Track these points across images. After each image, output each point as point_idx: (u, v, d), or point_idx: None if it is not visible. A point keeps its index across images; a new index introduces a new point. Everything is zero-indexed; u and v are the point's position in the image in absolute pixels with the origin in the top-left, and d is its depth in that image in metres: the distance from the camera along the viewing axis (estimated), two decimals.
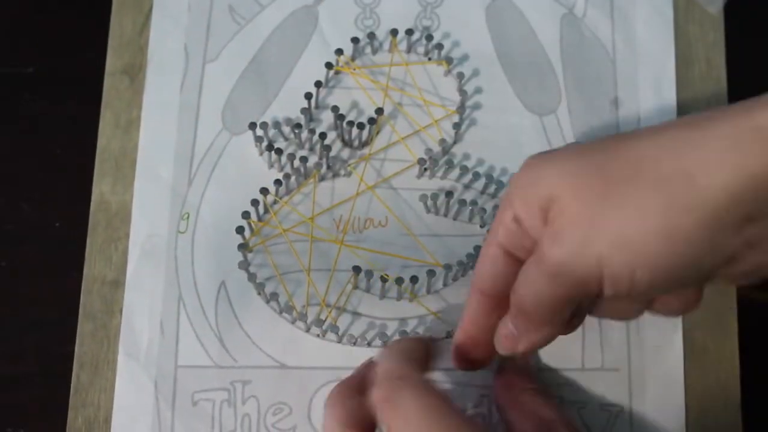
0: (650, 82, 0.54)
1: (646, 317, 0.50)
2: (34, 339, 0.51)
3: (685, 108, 0.54)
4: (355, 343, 0.49)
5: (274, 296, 0.49)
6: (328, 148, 0.51)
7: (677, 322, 0.51)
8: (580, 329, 0.50)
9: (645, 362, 0.50)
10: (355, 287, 0.50)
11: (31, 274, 0.52)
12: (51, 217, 0.53)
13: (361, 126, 0.52)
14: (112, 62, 0.54)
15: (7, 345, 0.51)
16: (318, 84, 0.52)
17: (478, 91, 0.54)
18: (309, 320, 0.49)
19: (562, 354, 0.50)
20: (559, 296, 0.40)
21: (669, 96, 0.54)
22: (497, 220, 0.42)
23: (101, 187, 0.52)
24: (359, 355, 0.49)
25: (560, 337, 0.49)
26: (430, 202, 0.51)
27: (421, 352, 0.44)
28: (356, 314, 0.50)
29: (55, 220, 0.53)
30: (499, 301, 0.44)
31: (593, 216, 0.38)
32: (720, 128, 0.37)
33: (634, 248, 0.37)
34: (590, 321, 0.50)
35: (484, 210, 0.51)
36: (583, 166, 0.39)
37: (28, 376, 0.51)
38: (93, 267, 0.51)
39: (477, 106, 0.54)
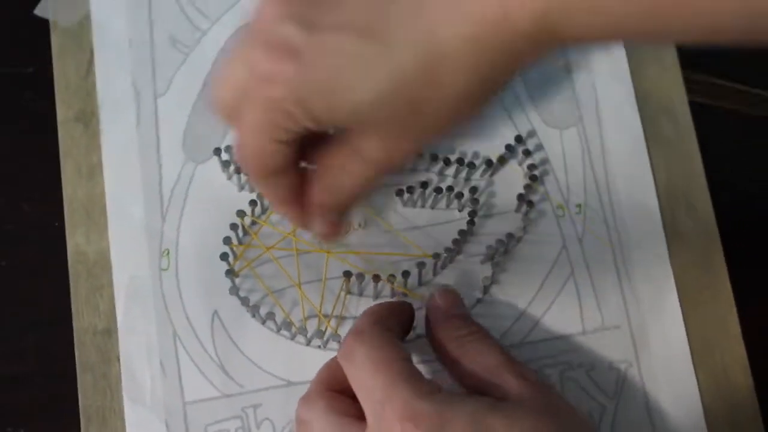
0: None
1: (636, 272, 0.51)
2: (34, 339, 0.51)
3: (635, 61, 0.55)
4: None
5: (270, 315, 0.49)
6: None
7: (667, 270, 0.52)
8: (575, 294, 0.51)
9: (644, 316, 0.51)
10: (349, 292, 0.50)
11: (31, 274, 0.52)
12: (51, 217, 0.52)
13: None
14: (62, 112, 0.53)
15: (7, 345, 0.51)
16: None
17: None
18: (309, 333, 0.49)
19: (561, 321, 0.51)
20: (264, 132, 0.40)
21: (618, 53, 0.55)
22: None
23: (75, 239, 0.51)
24: None
25: (557, 304, 0.50)
26: (406, 196, 0.51)
27: (391, 313, 0.45)
28: (355, 319, 0.50)
29: (55, 220, 0.52)
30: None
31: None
32: None
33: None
34: (584, 285, 0.51)
35: (461, 194, 0.51)
36: None
37: (28, 376, 0.51)
38: (82, 319, 0.50)
39: None
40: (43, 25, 0.55)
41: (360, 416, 0.42)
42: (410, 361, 0.42)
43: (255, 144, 0.40)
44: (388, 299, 0.50)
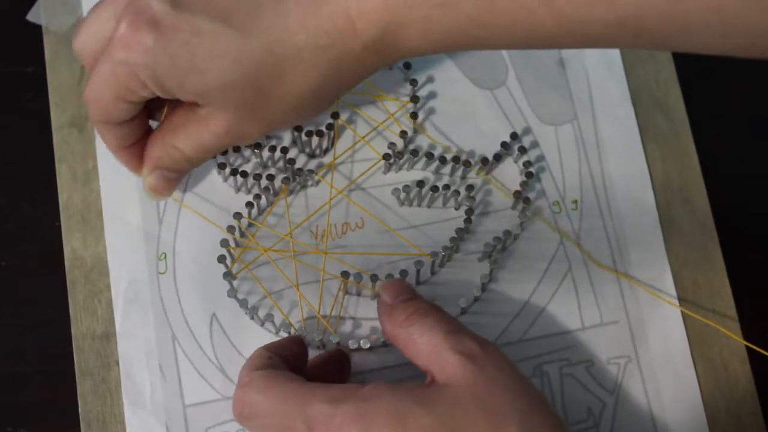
0: None
1: (634, 267, 0.51)
2: (34, 339, 0.51)
3: (629, 57, 0.55)
4: (356, 348, 0.49)
5: (269, 317, 0.49)
6: (291, 161, 0.51)
7: (665, 264, 0.52)
8: (573, 290, 0.51)
9: (642, 310, 0.51)
10: (347, 293, 0.50)
11: (31, 274, 0.52)
12: (51, 217, 0.52)
13: (319, 134, 0.52)
14: (56, 117, 0.53)
15: (7, 345, 0.51)
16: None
17: (430, 80, 0.54)
18: (306, 334, 0.49)
19: (560, 317, 0.51)
20: (112, 90, 0.43)
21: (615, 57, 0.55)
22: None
23: (72, 244, 0.51)
24: (361, 360, 0.49)
25: (555, 301, 0.51)
26: (402, 195, 0.51)
27: (272, 351, 0.44)
28: (353, 319, 0.50)
29: (56, 220, 0.52)
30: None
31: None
32: None
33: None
34: (582, 281, 0.51)
35: (457, 192, 0.51)
36: None
37: (28, 376, 0.50)
38: (80, 324, 0.50)
39: (432, 96, 0.54)
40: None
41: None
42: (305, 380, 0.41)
43: (101, 96, 0.43)
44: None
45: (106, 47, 0.42)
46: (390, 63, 0.43)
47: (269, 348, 0.44)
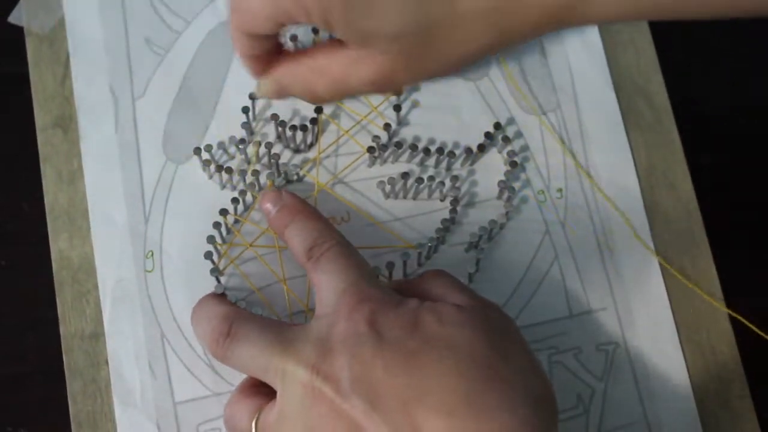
0: (575, 32, 0.55)
1: (620, 254, 0.52)
2: (34, 339, 0.51)
3: (610, 45, 0.55)
4: None
5: (256, 312, 0.49)
6: (276, 156, 0.51)
7: (651, 250, 0.52)
8: (560, 279, 0.51)
9: (629, 297, 0.51)
10: None
11: (31, 274, 0.52)
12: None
13: (303, 128, 0.52)
14: (40, 117, 0.53)
15: (7, 345, 0.51)
16: (252, 96, 0.52)
17: None
18: None
19: (547, 305, 0.51)
20: (270, 11, 0.41)
21: (593, 37, 0.55)
22: None
23: (59, 245, 0.51)
24: None
25: (543, 289, 0.51)
26: (388, 188, 0.51)
27: None
28: None
29: None
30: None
31: None
32: None
33: None
34: (569, 268, 0.51)
35: (442, 184, 0.51)
36: None
37: (28, 376, 0.50)
38: (69, 325, 0.50)
39: (415, 88, 0.54)
40: None
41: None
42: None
43: (253, 9, 0.42)
44: None
45: None
46: (566, 28, 0.42)
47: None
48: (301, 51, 0.46)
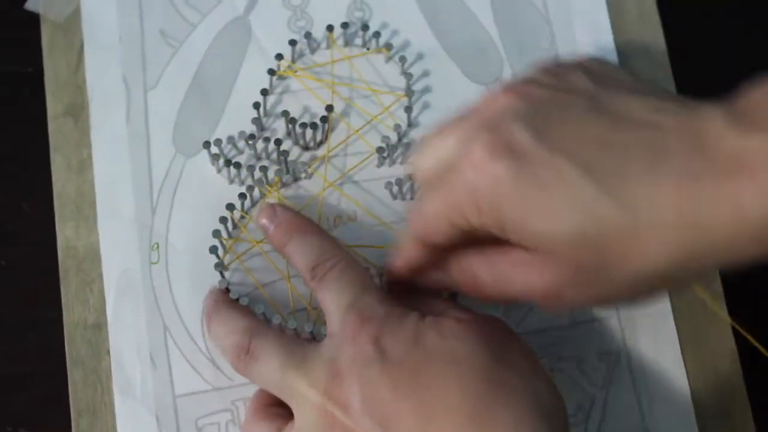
0: (587, 34, 0.55)
1: None
2: (34, 339, 0.51)
3: (625, 55, 0.55)
4: None
5: (259, 308, 0.49)
6: (285, 153, 0.51)
7: None
8: None
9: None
10: None
11: (31, 274, 0.52)
12: (51, 216, 0.52)
13: (313, 126, 0.52)
14: (52, 106, 0.53)
15: (7, 345, 0.51)
16: (264, 92, 0.52)
17: (426, 74, 0.54)
18: (296, 325, 0.49)
19: (551, 313, 0.50)
20: (448, 216, 0.40)
21: (608, 46, 0.55)
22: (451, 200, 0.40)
23: (65, 233, 0.51)
24: None
25: None
26: (395, 189, 0.51)
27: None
28: None
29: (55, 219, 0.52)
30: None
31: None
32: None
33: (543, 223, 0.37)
34: None
35: None
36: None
37: (28, 376, 0.51)
38: (72, 313, 0.50)
39: (427, 90, 0.54)
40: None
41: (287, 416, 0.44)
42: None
43: (434, 219, 0.41)
44: None
45: (444, 170, 0.40)
46: None
47: None
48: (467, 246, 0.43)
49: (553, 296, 0.39)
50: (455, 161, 0.39)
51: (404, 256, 0.45)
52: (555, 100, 0.39)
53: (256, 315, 0.47)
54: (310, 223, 0.48)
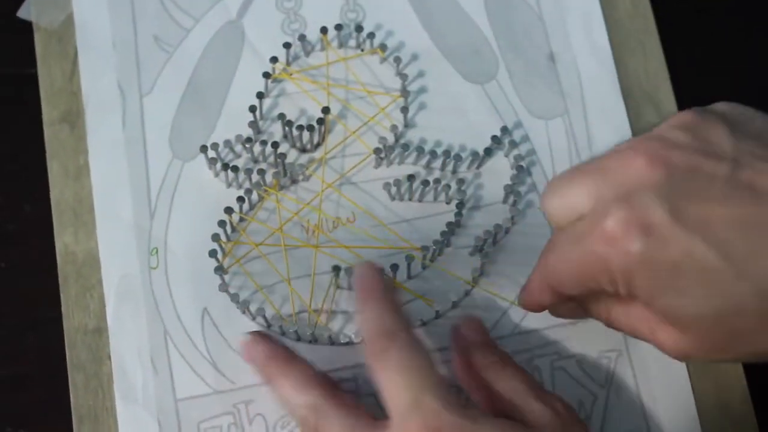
0: (580, 30, 0.55)
1: None
2: (34, 339, 0.51)
3: (619, 50, 0.55)
4: (348, 342, 0.49)
5: (260, 311, 0.49)
6: (282, 156, 0.51)
7: None
8: None
9: None
10: (338, 287, 0.50)
11: (31, 274, 0.52)
12: (51, 217, 0.52)
13: (310, 128, 0.52)
14: (48, 112, 0.53)
15: (7, 345, 0.51)
16: (260, 95, 0.52)
17: (421, 74, 0.55)
18: (297, 328, 0.49)
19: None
20: (578, 278, 0.41)
21: (602, 42, 0.55)
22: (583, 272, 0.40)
23: (64, 240, 0.51)
24: (353, 354, 0.49)
25: None
26: (393, 190, 0.51)
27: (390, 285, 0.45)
28: (344, 313, 0.50)
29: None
30: None
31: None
32: None
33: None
34: None
35: (448, 186, 0.51)
36: None
37: (28, 376, 0.51)
38: (72, 319, 0.50)
39: (422, 90, 0.54)
40: None
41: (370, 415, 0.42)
42: (437, 370, 0.41)
43: (567, 278, 0.41)
44: None
45: (576, 219, 0.40)
46: None
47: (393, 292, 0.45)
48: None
49: (680, 358, 0.41)
50: (587, 221, 0.39)
51: (535, 300, 0.45)
52: (693, 167, 0.37)
53: (316, 370, 0.45)
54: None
